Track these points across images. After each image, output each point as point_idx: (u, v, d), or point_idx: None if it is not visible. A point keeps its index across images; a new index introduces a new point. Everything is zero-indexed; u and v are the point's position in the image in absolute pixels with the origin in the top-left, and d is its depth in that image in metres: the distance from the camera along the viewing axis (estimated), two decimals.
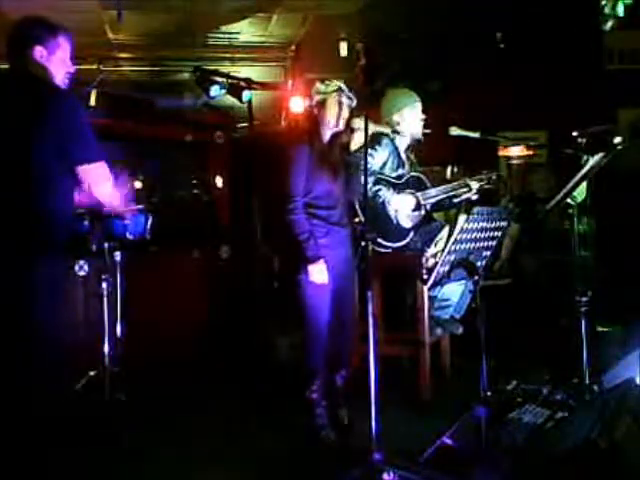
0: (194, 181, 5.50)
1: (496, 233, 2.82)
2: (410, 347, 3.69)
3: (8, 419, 2.34)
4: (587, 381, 3.18)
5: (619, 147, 3.40)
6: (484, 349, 2.57)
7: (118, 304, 3.68)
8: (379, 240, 3.56)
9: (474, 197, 3.79)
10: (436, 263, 2.67)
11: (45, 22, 2.57)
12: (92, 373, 3.52)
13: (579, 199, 3.34)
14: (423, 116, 3.88)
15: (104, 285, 3.42)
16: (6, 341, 2.39)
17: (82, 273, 3.85)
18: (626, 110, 6.23)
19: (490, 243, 2.82)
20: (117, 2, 4.92)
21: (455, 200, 3.88)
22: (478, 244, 2.74)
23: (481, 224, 2.69)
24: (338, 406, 3.31)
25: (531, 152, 6.63)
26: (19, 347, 2.40)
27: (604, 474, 2.44)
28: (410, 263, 3.61)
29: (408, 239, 3.69)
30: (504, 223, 2.88)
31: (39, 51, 2.51)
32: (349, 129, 3.27)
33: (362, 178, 2.74)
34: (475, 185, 3.80)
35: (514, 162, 6.76)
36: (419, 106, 3.89)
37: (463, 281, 3.48)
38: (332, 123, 3.19)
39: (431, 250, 3.60)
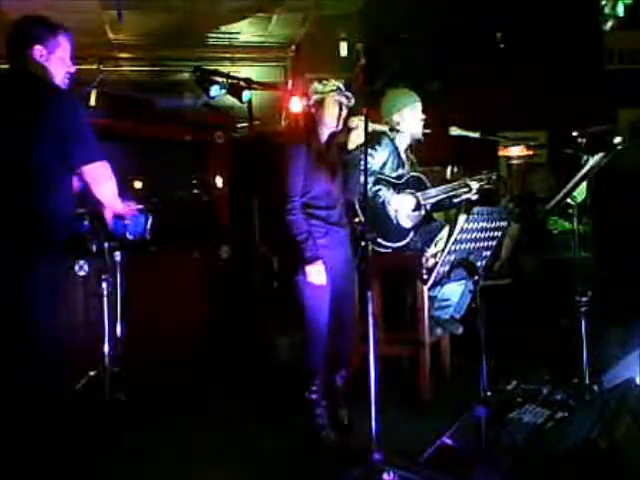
0: (194, 181, 5.48)
1: (496, 233, 2.82)
2: (410, 347, 3.69)
3: (8, 419, 2.34)
4: (587, 381, 3.19)
5: (619, 147, 3.41)
6: (484, 349, 2.57)
7: (118, 304, 3.67)
8: (379, 240, 3.56)
9: (474, 197, 3.79)
10: (436, 263, 2.67)
11: (45, 21, 2.57)
12: (92, 373, 3.52)
13: (579, 199, 3.35)
14: (423, 116, 3.88)
15: (104, 285, 3.41)
16: (6, 341, 2.39)
17: (82, 273, 3.85)
18: (626, 110, 6.23)
19: (490, 243, 2.82)
20: (117, 2, 4.93)
21: (455, 200, 3.88)
22: (478, 244, 2.74)
23: (481, 224, 2.69)
24: (338, 406, 3.31)
25: (531, 152, 6.63)
26: (19, 347, 2.40)
27: (604, 474, 2.43)
28: (410, 263, 3.61)
29: (408, 239, 3.69)
30: (504, 223, 2.89)
31: (39, 50, 2.51)
32: (346, 128, 3.27)
33: (362, 178, 2.74)
34: (475, 185, 3.80)
35: (514, 162, 6.77)
36: (419, 106, 3.89)
37: (463, 281, 3.48)
38: (330, 123, 3.17)
39: (431, 250, 3.60)
